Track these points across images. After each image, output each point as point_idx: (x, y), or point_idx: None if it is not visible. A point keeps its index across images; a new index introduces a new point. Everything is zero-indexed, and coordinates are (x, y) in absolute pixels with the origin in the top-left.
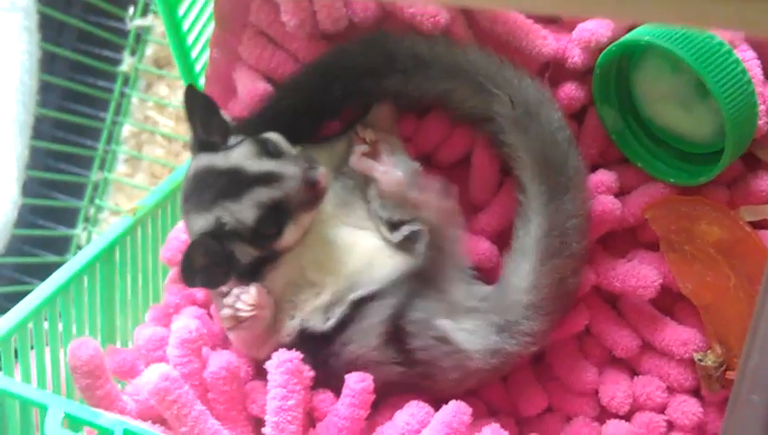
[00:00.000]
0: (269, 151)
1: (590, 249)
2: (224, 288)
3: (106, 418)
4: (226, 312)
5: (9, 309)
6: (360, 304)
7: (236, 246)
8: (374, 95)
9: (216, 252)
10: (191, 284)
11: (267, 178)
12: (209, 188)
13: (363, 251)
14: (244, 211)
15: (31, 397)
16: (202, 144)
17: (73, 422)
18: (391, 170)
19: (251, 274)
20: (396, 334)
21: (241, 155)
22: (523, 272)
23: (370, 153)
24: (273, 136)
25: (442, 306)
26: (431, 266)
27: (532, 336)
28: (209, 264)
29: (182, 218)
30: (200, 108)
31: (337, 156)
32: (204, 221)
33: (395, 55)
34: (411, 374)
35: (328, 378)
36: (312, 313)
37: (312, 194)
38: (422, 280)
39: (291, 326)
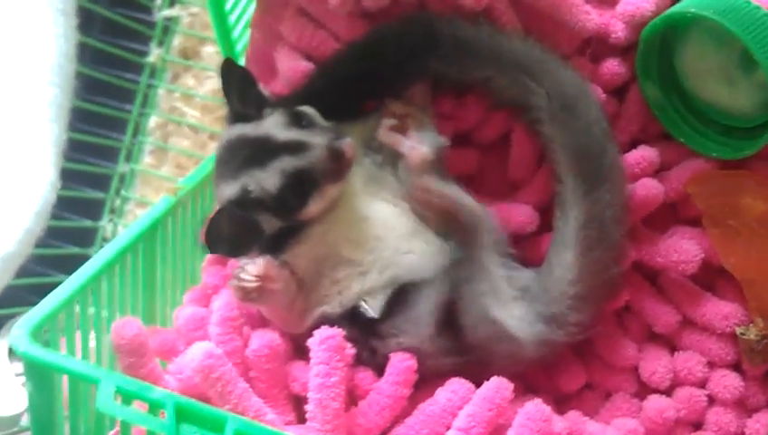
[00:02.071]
0: (299, 122)
1: (630, 225)
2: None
3: (158, 391)
4: (232, 282)
5: (32, 301)
6: (405, 291)
7: (261, 216)
8: (413, 76)
9: (241, 220)
10: (214, 250)
11: (294, 147)
12: (238, 155)
13: (401, 230)
14: (269, 179)
15: (82, 371)
16: (237, 116)
17: (125, 396)
18: (417, 145)
19: (275, 245)
20: (449, 321)
21: (271, 124)
22: (566, 263)
23: (399, 127)
24: (305, 108)
25: (491, 292)
26: (473, 247)
27: (579, 326)
28: (234, 232)
29: (213, 187)
30: (237, 80)
31: (368, 131)
32: (230, 189)
33: (437, 38)
34: (463, 364)
35: (369, 361)
36: (362, 294)
37: (338, 165)
38: (468, 266)
39: (338, 301)
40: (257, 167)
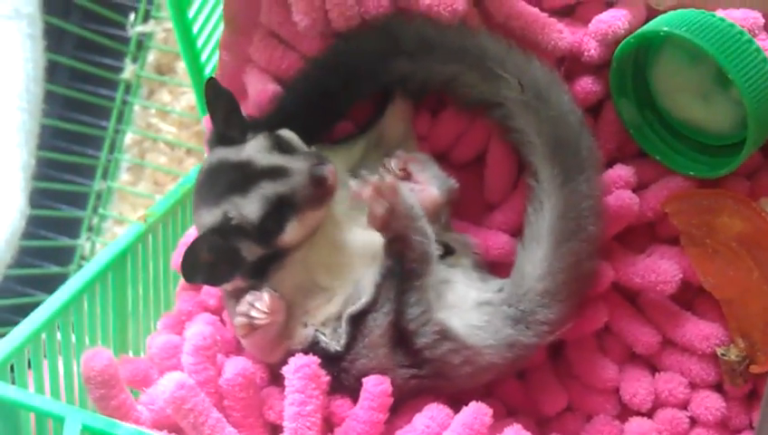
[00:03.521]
0: (281, 147)
1: (608, 245)
2: (228, 287)
3: (124, 428)
4: (240, 320)
5: (12, 321)
6: (358, 319)
7: (242, 243)
8: (381, 80)
9: (221, 249)
10: (191, 280)
11: (275, 173)
12: (219, 181)
13: (368, 254)
14: (249, 206)
15: (47, 408)
16: (220, 138)
17: (92, 433)
18: (427, 188)
19: (256, 273)
20: (400, 337)
21: (253, 149)
22: (536, 258)
23: (402, 176)
24: (287, 133)
25: (440, 302)
26: (414, 265)
27: (549, 325)
28: (213, 260)
29: (193, 213)
30: (222, 101)
31: (353, 158)
32: (211, 216)
33: (400, 38)
34: (424, 376)
35: (341, 389)
36: (325, 323)
37: (320, 191)
38: (412, 278)
39: (303, 335)
40: (238, 193)
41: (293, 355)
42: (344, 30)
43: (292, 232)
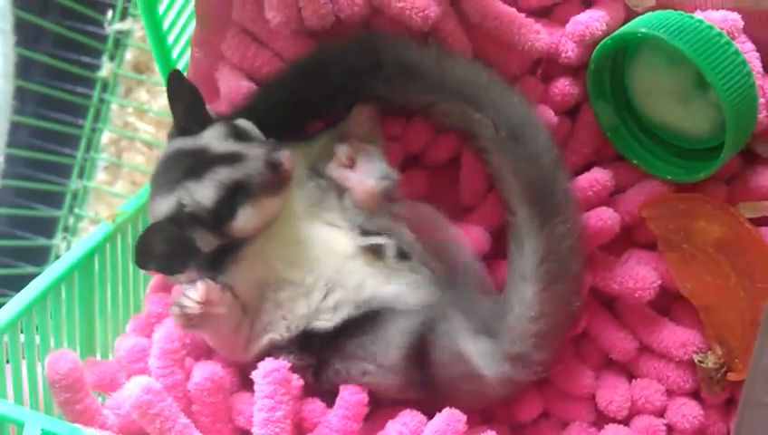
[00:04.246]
0: (238, 135)
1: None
2: (183, 278)
3: (86, 434)
4: (173, 310)
5: None
6: (378, 314)
7: (196, 233)
8: (357, 97)
9: (175, 238)
10: (145, 267)
11: (230, 159)
12: (174, 169)
13: (341, 250)
14: (203, 191)
15: (6, 413)
16: (181, 131)
17: None
18: (364, 179)
19: (212, 266)
20: (417, 355)
21: (209, 137)
22: (526, 299)
23: (348, 163)
24: (243, 122)
25: (465, 326)
26: (460, 290)
27: (543, 365)
28: (168, 250)
29: (148, 203)
30: (184, 94)
31: (312, 154)
32: (166, 204)
33: (382, 60)
34: (426, 399)
35: (324, 383)
36: (309, 316)
37: (276, 177)
38: (451, 300)
39: (284, 326)
40: (192, 179)
41: (276, 350)
42: (318, 28)
43: (245, 218)
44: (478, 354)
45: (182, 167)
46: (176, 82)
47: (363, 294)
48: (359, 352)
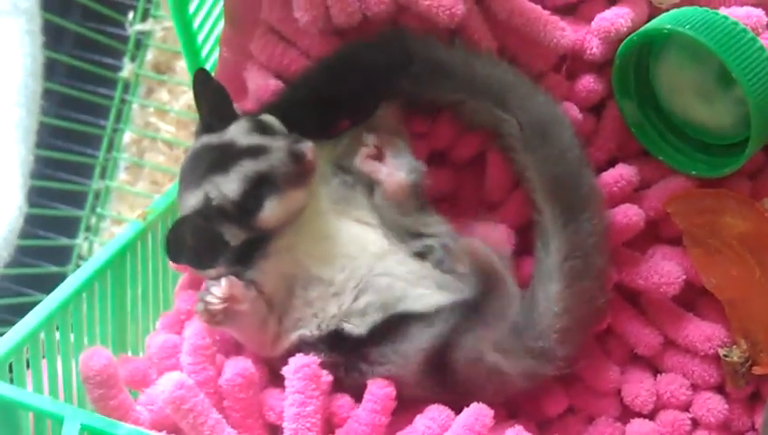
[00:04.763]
0: (262, 130)
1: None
2: (212, 273)
3: (124, 428)
4: (198, 306)
5: (9, 321)
6: (400, 322)
7: (224, 226)
8: (384, 95)
9: (204, 232)
10: (176, 260)
11: (254, 151)
12: (201, 164)
13: (373, 249)
14: (229, 184)
15: (46, 408)
16: (207, 128)
17: (91, 433)
18: (394, 172)
19: (241, 260)
20: (439, 363)
21: (234, 131)
22: (551, 295)
23: (376, 156)
24: (268, 117)
25: (493, 335)
26: (485, 293)
27: (567, 361)
28: (197, 244)
29: (177, 199)
30: (210, 92)
31: (338, 151)
32: (194, 199)
33: (411, 58)
34: (446, 395)
35: (351, 380)
36: (340, 317)
37: (299, 168)
38: (473, 308)
39: (315, 324)
40: (219, 173)
41: (306, 346)
42: (346, 26)
43: (271, 210)
44: (502, 356)
45: (208, 161)
46: (202, 81)
47: (392, 297)
48: (381, 359)
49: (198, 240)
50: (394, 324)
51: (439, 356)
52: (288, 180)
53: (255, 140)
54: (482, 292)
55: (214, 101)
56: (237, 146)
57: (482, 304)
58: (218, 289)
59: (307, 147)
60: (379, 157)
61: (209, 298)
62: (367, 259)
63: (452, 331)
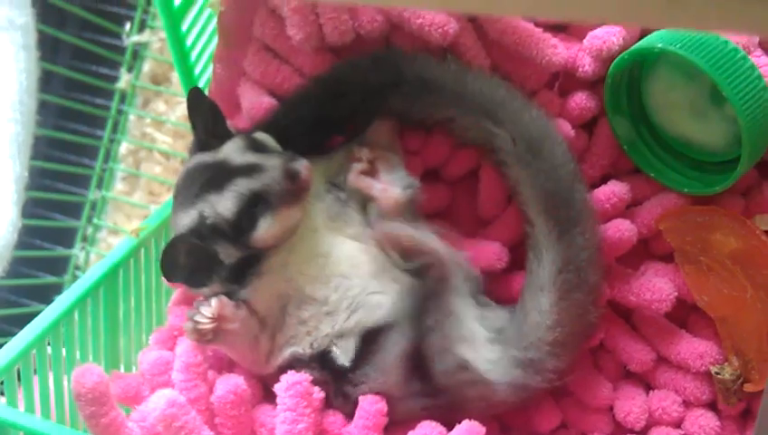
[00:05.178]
0: (256, 147)
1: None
2: (207, 292)
3: None
4: (187, 325)
5: (7, 331)
6: (372, 337)
7: (219, 245)
8: (378, 113)
9: (198, 250)
10: (172, 278)
11: (249, 170)
12: (195, 183)
13: (368, 268)
14: (224, 203)
15: (38, 428)
16: (200, 146)
17: None
18: (389, 188)
19: (235, 279)
20: (417, 363)
21: (229, 150)
22: (543, 308)
23: (368, 171)
24: (261, 135)
25: (460, 334)
26: (441, 292)
27: (557, 373)
28: (191, 263)
29: (171, 218)
30: (203, 111)
31: (332, 169)
32: (188, 218)
33: (402, 76)
34: (436, 406)
35: (337, 405)
36: (333, 336)
37: (294, 186)
38: (436, 310)
39: (308, 341)
40: (213, 191)
41: (298, 363)
42: (339, 45)
43: (265, 229)
44: (483, 361)
45: (202, 180)
46: (195, 99)
47: (379, 313)
48: (364, 379)
49: (193, 259)
50: (367, 342)
51: (415, 361)
52: (283, 199)
53: (250, 158)
54: (427, 275)
55: (208, 119)
56: (232, 164)
57: (434, 299)
58: (208, 309)
59: (302, 165)
60: (371, 172)
61: (198, 317)
62: (361, 279)
63: (421, 333)
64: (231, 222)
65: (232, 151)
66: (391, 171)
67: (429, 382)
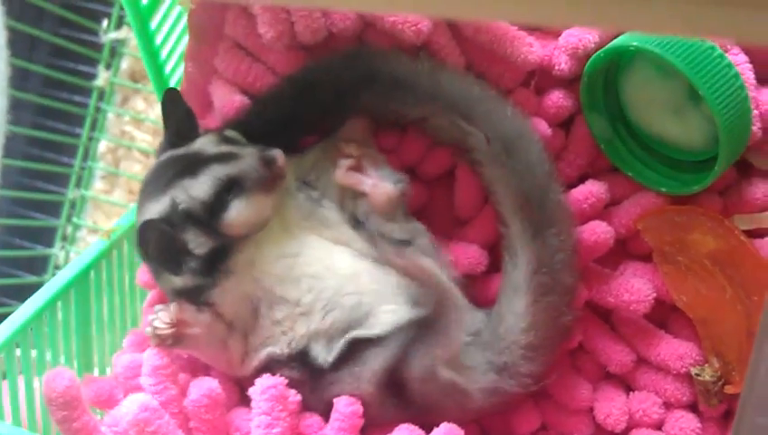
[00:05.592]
0: (228, 141)
1: (581, 263)
2: (179, 282)
3: None
4: (147, 330)
5: None
6: (356, 346)
7: (189, 233)
8: (350, 112)
9: (168, 237)
10: (148, 259)
11: (224, 157)
12: (167, 172)
13: (343, 269)
14: (199, 186)
15: None
16: (171, 146)
17: None
18: (380, 183)
19: (204, 271)
20: (394, 383)
21: (202, 143)
22: (517, 310)
23: (355, 167)
24: (231, 132)
25: (445, 351)
26: (437, 311)
27: (532, 378)
28: (160, 250)
29: (137, 212)
30: (179, 113)
31: (304, 167)
32: (158, 206)
33: (375, 75)
34: (410, 413)
35: (317, 401)
36: (309, 336)
37: (269, 172)
38: (430, 324)
39: (285, 341)
40: (188, 177)
41: (276, 364)
42: (311, 43)
43: (238, 212)
44: (457, 373)
45: (176, 168)
46: (171, 101)
47: (358, 314)
48: (338, 382)
49: (162, 245)
50: (350, 349)
51: (393, 376)
52: (258, 185)
53: (224, 148)
54: (431, 309)
55: (181, 121)
56: (207, 153)
57: (430, 321)
58: (166, 314)
59: (278, 152)
60: (358, 169)
61: (157, 323)
62: (335, 280)
63: (402, 351)
64: (206, 204)
65: (205, 144)
66: (378, 167)
67: (404, 393)
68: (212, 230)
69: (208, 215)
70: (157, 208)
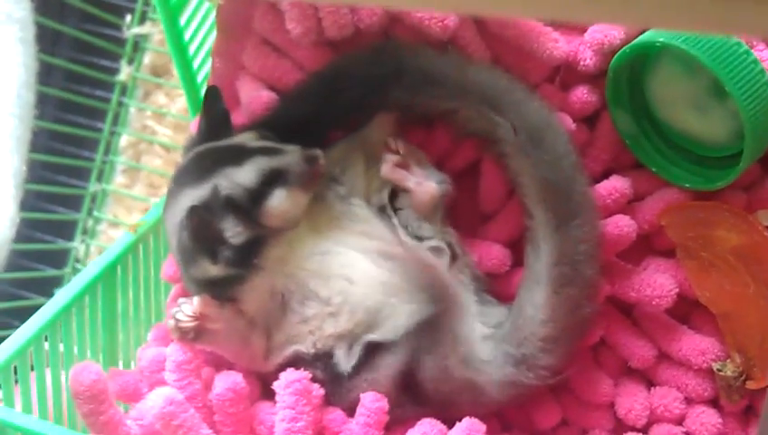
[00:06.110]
0: (267, 139)
1: (604, 258)
2: (214, 271)
3: None
4: (169, 322)
5: (9, 324)
6: (371, 349)
7: (227, 222)
8: (379, 106)
9: (208, 223)
10: (184, 246)
11: (269, 151)
12: (209, 161)
13: (374, 275)
14: (244, 174)
15: (35, 429)
16: (205, 141)
17: None
18: (425, 182)
19: (237, 262)
20: (410, 384)
21: (242, 138)
22: (537, 301)
23: (402, 164)
24: (267, 133)
25: (458, 350)
26: (444, 310)
27: (550, 370)
28: (200, 237)
29: (166, 204)
30: (216, 110)
31: (331, 163)
32: (197, 193)
33: (403, 69)
34: (426, 410)
35: (338, 400)
36: (335, 337)
37: (312, 169)
38: (437, 324)
39: (311, 341)
40: (232, 166)
41: (300, 361)
42: (338, 38)
43: (280, 202)
44: (473, 369)
45: (219, 158)
46: (212, 97)
47: (378, 316)
48: (355, 387)
49: (200, 233)
50: (366, 354)
51: (408, 379)
52: (300, 179)
53: (268, 144)
54: (439, 308)
55: (217, 119)
56: (250, 146)
57: (439, 321)
58: (189, 307)
59: (320, 152)
60: (404, 166)
61: (179, 316)
62: (363, 283)
63: (414, 354)
64: (249, 191)
65: (247, 139)
66: (422, 166)
67: (420, 393)
68: (250, 220)
69: (250, 202)
70: (198, 194)
